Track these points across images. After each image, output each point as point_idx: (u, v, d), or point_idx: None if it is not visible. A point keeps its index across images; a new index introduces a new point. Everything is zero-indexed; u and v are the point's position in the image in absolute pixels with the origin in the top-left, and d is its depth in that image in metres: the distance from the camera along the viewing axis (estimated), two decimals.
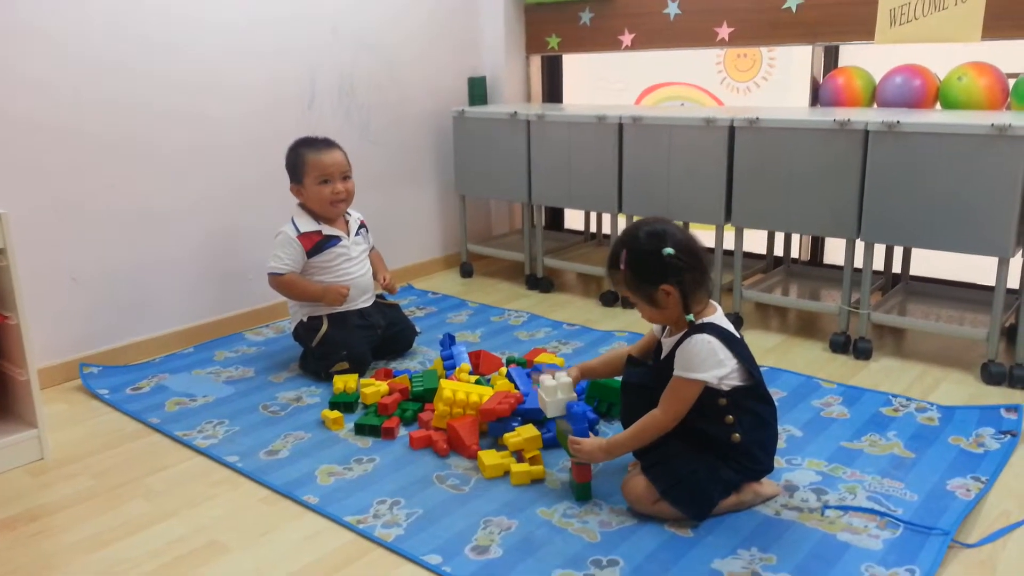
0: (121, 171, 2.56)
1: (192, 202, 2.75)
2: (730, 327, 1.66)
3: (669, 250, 1.59)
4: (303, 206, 2.51)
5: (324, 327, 2.45)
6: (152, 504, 1.80)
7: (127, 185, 2.58)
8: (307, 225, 2.48)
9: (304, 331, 2.48)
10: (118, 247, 2.59)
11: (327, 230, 2.50)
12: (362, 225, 2.62)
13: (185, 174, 2.72)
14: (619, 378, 1.83)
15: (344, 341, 2.43)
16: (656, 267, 1.61)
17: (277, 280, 2.46)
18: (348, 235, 2.54)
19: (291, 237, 2.45)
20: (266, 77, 2.91)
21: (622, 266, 1.64)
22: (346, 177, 2.49)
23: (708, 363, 1.59)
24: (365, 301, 2.57)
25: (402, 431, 2.09)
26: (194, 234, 2.77)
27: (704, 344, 1.60)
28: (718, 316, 1.67)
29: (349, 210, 2.58)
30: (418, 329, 2.72)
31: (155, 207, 2.66)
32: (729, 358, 1.61)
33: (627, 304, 3.10)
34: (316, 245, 2.47)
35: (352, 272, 2.52)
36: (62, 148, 2.42)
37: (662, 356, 1.71)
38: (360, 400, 2.24)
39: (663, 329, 1.76)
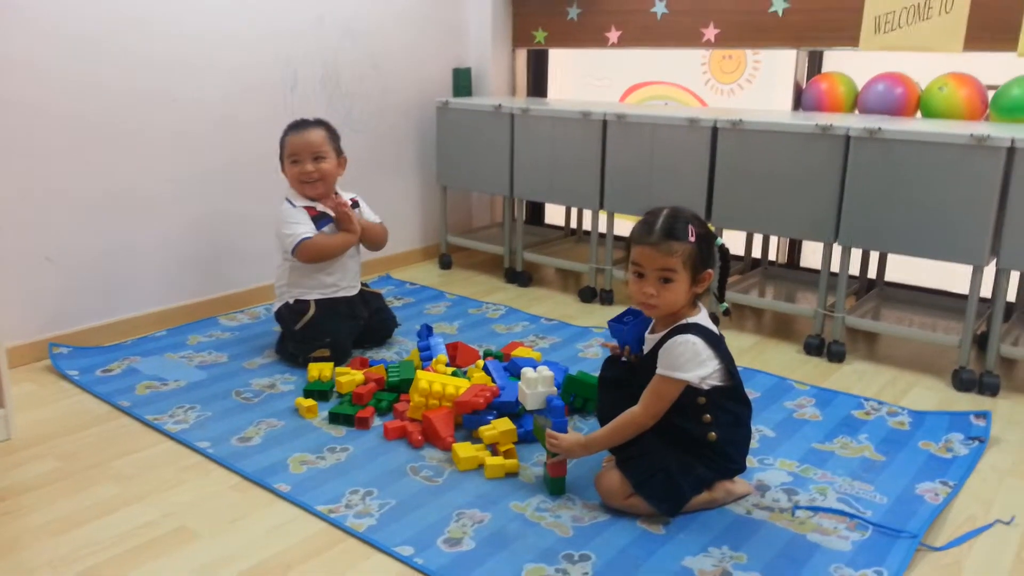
0: (98, 152, 2.52)
1: (169, 185, 2.71)
2: (714, 328, 1.67)
3: (721, 241, 1.67)
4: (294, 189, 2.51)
5: (311, 312, 2.43)
6: (121, 488, 1.77)
7: (104, 166, 2.54)
8: (301, 200, 2.47)
9: (288, 313, 2.46)
10: (93, 228, 2.54)
11: (321, 207, 2.48)
12: (354, 204, 2.58)
13: (163, 157, 2.68)
14: (595, 374, 1.83)
15: (329, 329, 2.41)
16: (709, 250, 1.66)
17: (306, 245, 2.40)
18: None
19: (295, 207, 2.45)
20: (248, 62, 2.87)
21: (692, 238, 1.62)
22: (318, 158, 2.45)
23: (692, 363, 1.60)
24: (352, 287, 2.55)
25: (377, 421, 2.08)
26: (170, 217, 2.74)
27: (689, 345, 1.60)
28: (702, 316, 1.68)
29: (340, 190, 2.55)
30: (399, 321, 2.70)
31: (132, 189, 2.62)
32: (711, 358, 1.62)
33: (606, 300, 3.10)
34: (312, 218, 2.45)
35: (341, 257, 2.50)
36: (38, 129, 2.37)
37: (644, 353, 1.71)
38: (335, 389, 2.22)
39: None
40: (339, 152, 2.53)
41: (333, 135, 2.52)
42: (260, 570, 1.51)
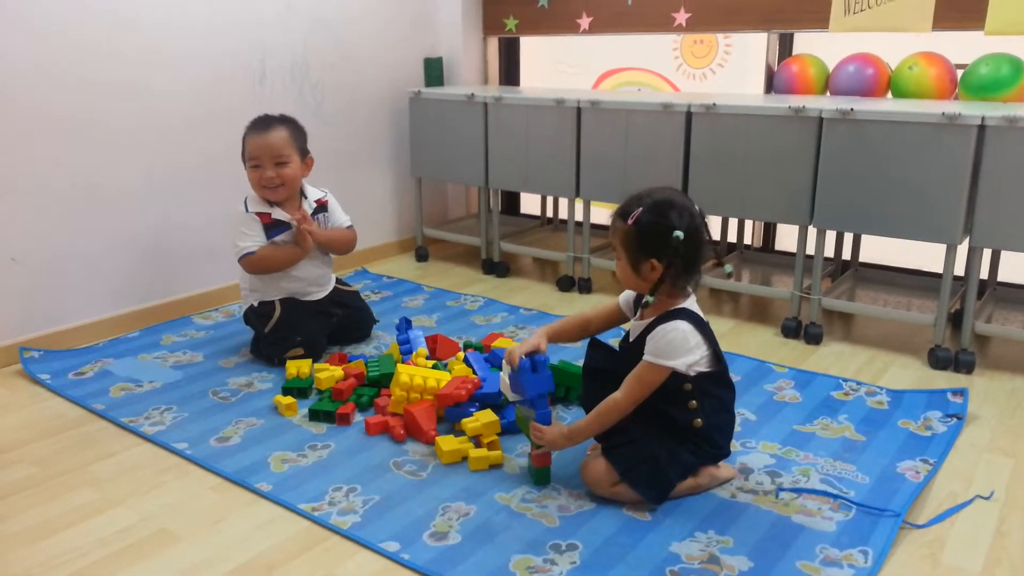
0: (63, 148, 2.46)
1: (137, 180, 2.66)
2: (701, 313, 1.67)
3: (679, 234, 1.56)
4: None
5: (277, 312, 2.38)
6: (98, 492, 1.74)
7: (69, 162, 2.48)
8: (257, 206, 2.38)
9: (255, 316, 2.42)
10: (59, 227, 2.49)
11: (277, 214, 2.38)
12: (321, 207, 2.49)
13: (130, 151, 2.63)
14: (579, 363, 1.82)
15: (298, 325, 2.38)
16: (658, 241, 1.58)
17: (251, 260, 2.34)
18: None
19: (248, 213, 2.36)
20: (215, 51, 2.82)
21: (630, 221, 1.60)
22: (280, 163, 2.32)
23: (680, 351, 1.59)
24: (319, 290, 2.50)
25: (358, 417, 2.06)
26: (139, 213, 2.69)
27: (678, 332, 1.60)
28: (691, 302, 1.67)
29: (308, 190, 2.47)
30: (376, 317, 2.66)
31: (98, 185, 2.56)
32: (700, 345, 1.62)
33: (584, 289, 3.10)
34: (263, 227, 2.37)
35: (302, 263, 2.42)
36: (1, 123, 2.31)
37: (631, 340, 1.70)
38: (314, 385, 2.20)
39: (634, 311, 1.75)
40: (304, 153, 2.42)
41: (298, 135, 2.40)
42: (243, 571, 1.49)
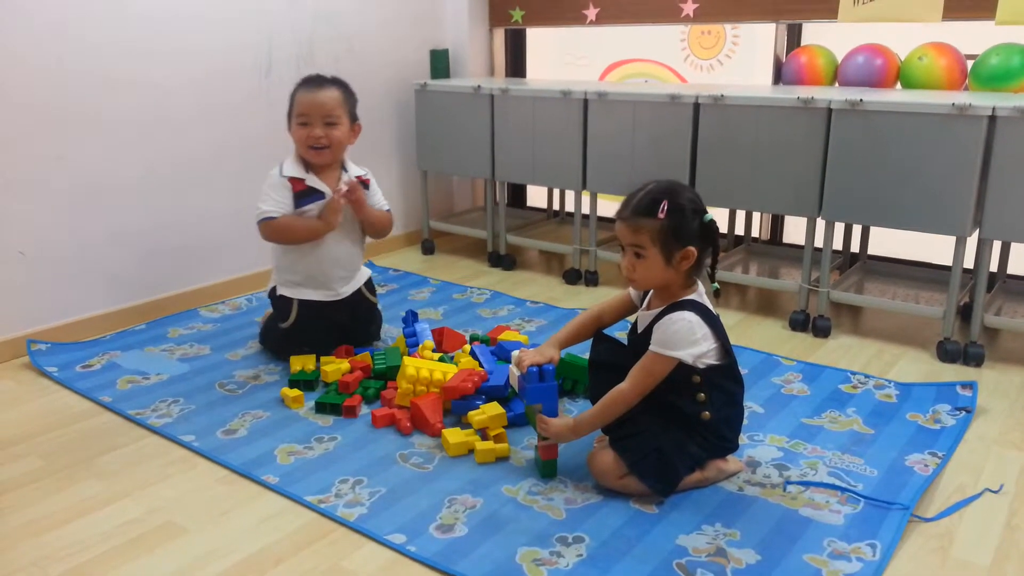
0: (69, 141, 2.46)
1: (143, 173, 2.66)
2: (710, 305, 1.66)
3: (711, 217, 1.60)
4: (297, 153, 2.30)
5: (293, 316, 2.31)
6: (105, 484, 1.74)
7: (76, 156, 2.48)
8: (292, 170, 2.26)
9: (275, 306, 2.37)
10: (67, 220, 2.49)
11: (311, 181, 2.26)
12: (361, 183, 2.35)
13: (136, 144, 2.63)
14: (585, 356, 1.81)
15: (307, 339, 2.31)
16: (693, 228, 1.60)
17: (269, 225, 2.22)
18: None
19: (279, 177, 2.25)
20: (220, 44, 2.81)
21: (661, 215, 1.58)
22: (330, 123, 2.23)
23: (686, 341, 1.58)
24: (343, 283, 2.36)
25: (364, 409, 2.05)
26: (146, 206, 2.68)
27: (684, 322, 1.59)
28: (699, 294, 1.66)
29: (350, 165, 2.36)
30: (383, 320, 2.57)
31: (105, 178, 2.56)
32: (707, 337, 1.60)
33: (591, 282, 3.09)
34: (296, 194, 2.25)
35: (326, 241, 2.28)
36: (4, 117, 2.31)
37: (639, 331, 1.69)
38: (321, 378, 2.19)
39: (642, 300, 1.75)
40: (354, 118, 2.31)
41: (349, 98, 2.31)
42: (250, 563, 1.49)
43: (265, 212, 2.23)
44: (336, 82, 2.30)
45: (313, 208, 2.27)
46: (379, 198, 2.43)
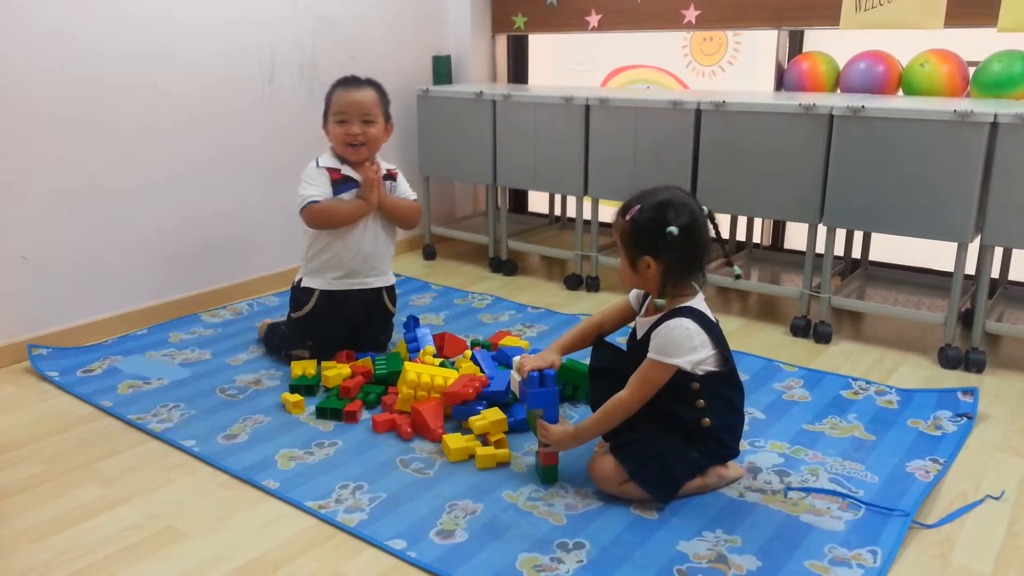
0: (71, 146, 2.47)
1: (145, 178, 2.67)
2: (709, 313, 1.65)
3: (673, 229, 1.56)
4: (333, 149, 2.37)
5: (311, 305, 2.33)
6: (105, 490, 1.74)
7: (77, 160, 2.49)
8: (328, 161, 2.34)
9: (295, 294, 2.38)
10: (69, 225, 2.50)
11: (347, 171, 2.33)
12: (390, 177, 2.43)
13: (138, 150, 2.63)
14: (586, 362, 1.81)
15: (317, 334, 2.33)
16: (652, 237, 1.59)
17: (313, 209, 2.26)
18: None
19: (318, 168, 2.32)
20: (223, 50, 2.82)
21: (628, 217, 1.61)
22: (367, 121, 2.31)
23: (684, 348, 1.58)
24: (371, 278, 2.40)
25: (365, 414, 2.06)
26: (148, 212, 2.69)
27: (682, 329, 1.59)
28: (698, 301, 1.66)
29: (379, 161, 2.41)
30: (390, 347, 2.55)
31: (107, 184, 2.57)
32: (705, 344, 1.60)
33: (592, 287, 3.09)
34: (333, 182, 2.31)
35: (356, 227, 2.33)
36: (8, 122, 2.32)
37: (637, 338, 1.69)
38: (321, 383, 2.20)
39: (641, 306, 1.75)
40: (388, 117, 2.39)
41: (384, 98, 2.39)
42: (250, 568, 1.49)
43: (308, 197, 2.29)
44: (372, 83, 2.38)
45: (348, 195, 2.32)
46: (406, 189, 2.50)
